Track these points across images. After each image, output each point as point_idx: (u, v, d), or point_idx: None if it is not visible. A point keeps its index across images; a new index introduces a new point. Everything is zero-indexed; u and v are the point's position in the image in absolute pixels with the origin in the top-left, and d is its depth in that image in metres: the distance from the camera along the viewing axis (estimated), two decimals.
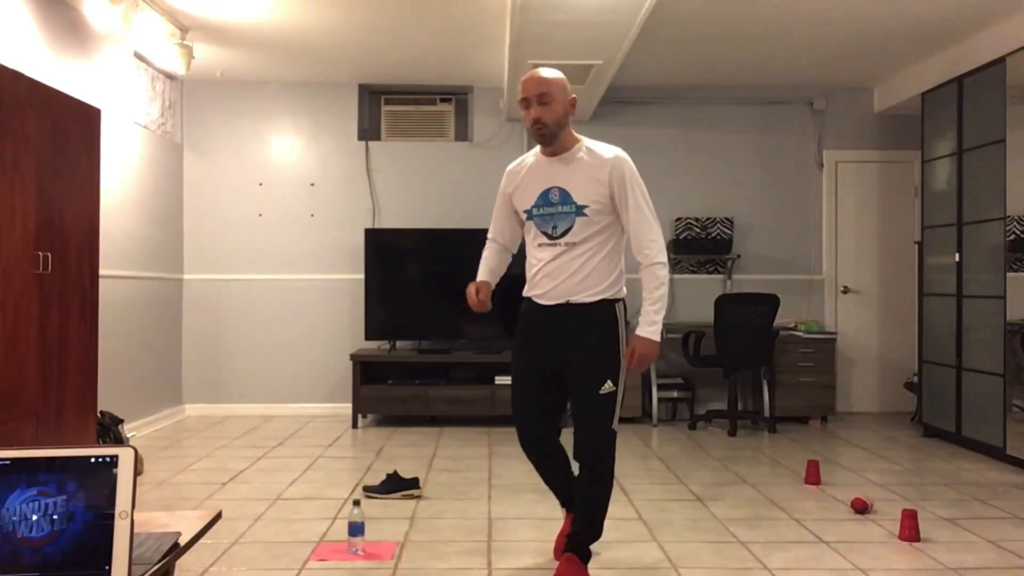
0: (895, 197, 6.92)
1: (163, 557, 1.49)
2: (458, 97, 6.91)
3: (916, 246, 6.20)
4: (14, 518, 1.35)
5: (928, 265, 5.83)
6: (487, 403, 6.11)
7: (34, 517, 1.36)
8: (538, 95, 2.77)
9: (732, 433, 5.84)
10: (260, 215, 6.73)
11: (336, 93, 6.77)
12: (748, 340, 5.86)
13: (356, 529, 3.19)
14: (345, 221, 6.73)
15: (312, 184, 6.77)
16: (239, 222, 6.71)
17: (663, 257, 2.80)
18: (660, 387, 6.36)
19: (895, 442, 5.63)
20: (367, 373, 6.19)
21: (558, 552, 3.04)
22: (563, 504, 3.13)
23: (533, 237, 2.91)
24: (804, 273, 6.88)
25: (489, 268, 3.08)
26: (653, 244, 2.80)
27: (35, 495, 1.36)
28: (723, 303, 5.93)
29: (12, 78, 3.60)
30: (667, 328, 6.16)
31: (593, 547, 2.92)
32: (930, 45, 5.72)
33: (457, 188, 6.75)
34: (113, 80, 5.37)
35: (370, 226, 6.69)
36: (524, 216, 2.92)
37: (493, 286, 3.05)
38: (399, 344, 6.53)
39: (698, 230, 6.70)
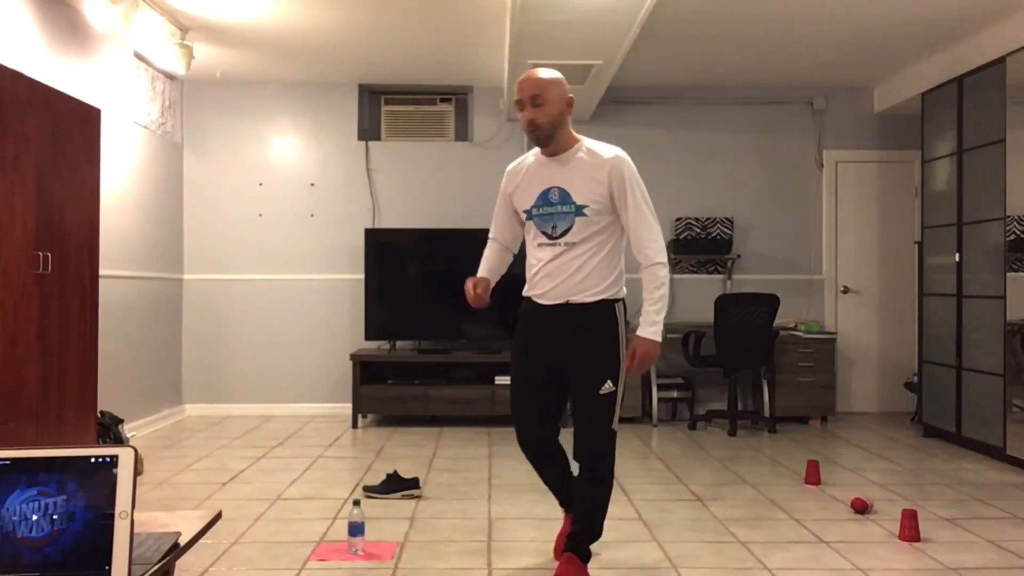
0: (895, 197, 6.92)
1: (163, 557, 1.49)
2: (458, 97, 6.91)
3: (916, 246, 6.20)
4: (14, 518, 1.35)
5: (928, 265, 5.83)
6: (487, 403, 6.11)
7: (34, 517, 1.36)
8: (531, 97, 2.77)
9: (732, 433, 5.84)
10: (260, 215, 6.73)
11: (336, 93, 6.77)
12: (748, 340, 5.86)
13: (356, 529, 3.19)
14: (345, 221, 6.73)
15: (312, 184, 6.77)
16: (239, 222, 6.71)
17: (663, 257, 2.80)
18: (660, 387, 6.36)
19: (895, 442, 5.63)
20: (367, 373, 6.19)
21: (558, 552, 3.04)
22: (562, 504, 3.13)
23: (533, 237, 2.91)
24: (804, 273, 6.89)
25: (489, 266, 3.08)
26: (653, 244, 2.80)
27: (35, 495, 1.36)
28: (723, 303, 5.93)
29: (12, 78, 3.59)
30: (667, 328, 6.12)
31: (593, 547, 2.92)
32: (930, 45, 5.72)
33: (457, 188, 6.75)
34: (113, 80, 5.37)
35: (370, 226, 6.69)
36: (524, 216, 2.92)
37: (493, 283, 3.05)
38: (399, 344, 6.53)
39: (698, 230, 6.70)
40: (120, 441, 4.73)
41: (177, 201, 6.60)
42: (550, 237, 2.84)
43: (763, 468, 4.81)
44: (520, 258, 3.06)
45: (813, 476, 4.39)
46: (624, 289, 2.88)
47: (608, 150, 2.83)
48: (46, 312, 3.83)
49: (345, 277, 6.72)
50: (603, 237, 2.82)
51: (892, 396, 6.84)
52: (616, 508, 3.62)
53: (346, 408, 6.40)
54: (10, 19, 4.25)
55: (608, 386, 2.77)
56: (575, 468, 2.90)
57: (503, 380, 5.99)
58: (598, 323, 2.81)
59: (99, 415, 4.50)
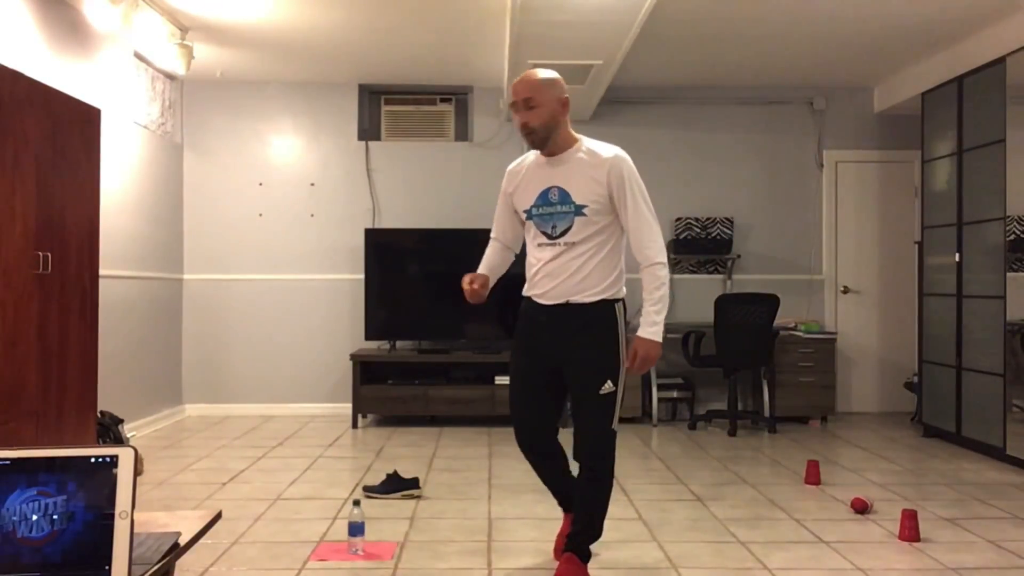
0: (895, 197, 6.92)
1: (163, 557, 1.49)
2: (458, 97, 6.91)
3: (916, 246, 6.20)
4: (14, 518, 1.35)
5: (928, 265, 5.83)
6: (487, 403, 6.11)
7: (34, 517, 1.36)
8: (524, 100, 2.77)
9: (732, 433, 5.84)
10: (260, 215, 6.73)
11: (336, 93, 6.77)
12: (748, 340, 5.86)
13: (356, 529, 3.19)
14: (345, 221, 6.73)
15: (312, 184, 6.77)
16: (239, 222, 6.71)
17: (663, 257, 2.80)
18: (660, 387, 6.36)
19: (895, 442, 5.63)
20: (367, 373, 6.19)
21: (558, 552, 3.04)
22: (561, 504, 3.13)
23: (533, 237, 2.91)
24: (804, 273, 6.89)
25: (489, 264, 3.08)
26: (653, 244, 2.80)
27: (35, 495, 1.36)
28: (723, 303, 5.93)
29: (12, 78, 3.60)
30: (667, 328, 6.09)
31: (593, 547, 2.92)
32: (930, 45, 5.72)
33: (457, 188, 6.75)
34: (113, 80, 5.37)
35: (370, 226, 6.69)
36: (524, 216, 2.92)
37: (493, 282, 3.05)
38: (399, 344, 6.53)
39: (698, 230, 6.70)
40: (120, 441, 4.73)
41: (177, 201, 6.60)
42: (550, 237, 2.84)
43: (763, 468, 4.81)
44: (520, 258, 3.06)
45: (813, 476, 4.39)
46: (624, 289, 2.88)
47: (608, 150, 2.83)
48: (46, 312, 3.83)
49: (345, 277, 6.72)
50: (603, 237, 2.81)
51: (892, 396, 6.84)
52: (616, 508, 3.62)
53: (346, 408, 6.40)
54: (10, 19, 4.25)
55: (608, 386, 2.77)
56: (575, 468, 2.90)
57: (503, 380, 5.99)
58: (598, 323, 2.81)
59: (99, 415, 4.50)
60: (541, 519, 3.65)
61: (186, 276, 6.68)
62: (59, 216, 3.93)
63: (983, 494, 4.19)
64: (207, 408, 6.67)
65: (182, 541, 1.58)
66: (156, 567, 1.44)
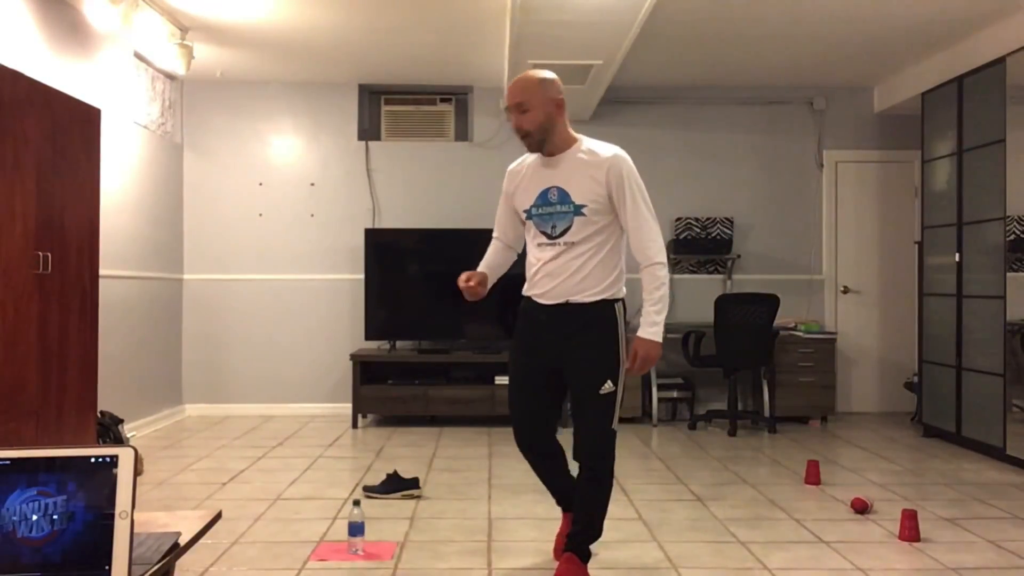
0: (895, 197, 6.92)
1: (163, 557, 1.49)
2: (458, 97, 6.91)
3: (916, 246, 6.20)
4: (14, 518, 1.35)
5: (928, 265, 5.83)
6: (487, 403, 6.11)
7: (34, 517, 1.36)
8: (517, 104, 2.78)
9: (732, 433, 5.84)
10: (260, 215, 6.73)
11: (336, 93, 6.77)
12: (748, 340, 5.86)
13: (356, 529, 3.19)
14: (345, 221, 6.73)
15: (312, 184, 6.77)
16: (239, 222, 6.71)
17: (662, 257, 2.80)
18: (660, 387, 6.36)
19: (895, 442, 5.63)
20: (367, 373, 6.19)
21: (558, 552, 3.04)
22: (560, 503, 3.13)
23: (533, 236, 2.91)
24: (804, 273, 6.89)
25: (489, 263, 3.08)
26: (652, 244, 2.79)
27: (35, 495, 1.36)
28: (723, 303, 5.93)
29: (12, 78, 3.60)
30: (667, 328, 6.09)
31: (593, 547, 2.92)
32: (930, 45, 5.72)
33: (457, 188, 6.75)
34: (113, 80, 5.37)
35: (370, 226, 6.69)
36: (524, 216, 2.92)
37: (493, 280, 3.05)
38: (399, 344, 6.53)
39: (698, 230, 6.70)
40: (120, 441, 4.73)
41: (177, 201, 6.60)
42: (549, 237, 2.84)
43: (763, 468, 4.81)
44: (520, 258, 3.07)
45: (813, 476, 4.39)
46: (624, 289, 2.88)
47: (607, 149, 2.82)
48: (46, 312, 3.83)
49: (345, 277, 6.72)
50: (603, 237, 2.81)
51: (892, 396, 6.84)
52: (616, 508, 3.62)
53: (346, 408, 6.40)
54: (10, 19, 4.25)
55: (608, 386, 2.77)
56: (574, 468, 2.90)
57: (503, 380, 5.98)
58: (598, 323, 2.81)
59: (99, 415, 4.50)
60: (541, 519, 3.65)
61: (186, 276, 6.68)
62: (59, 216, 3.93)
63: (983, 494, 4.19)
64: (207, 408, 6.67)
65: (182, 541, 1.58)
66: (156, 567, 1.44)
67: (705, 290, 6.74)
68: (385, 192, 6.78)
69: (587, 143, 2.86)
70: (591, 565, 2.89)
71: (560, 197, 2.81)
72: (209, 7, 4.98)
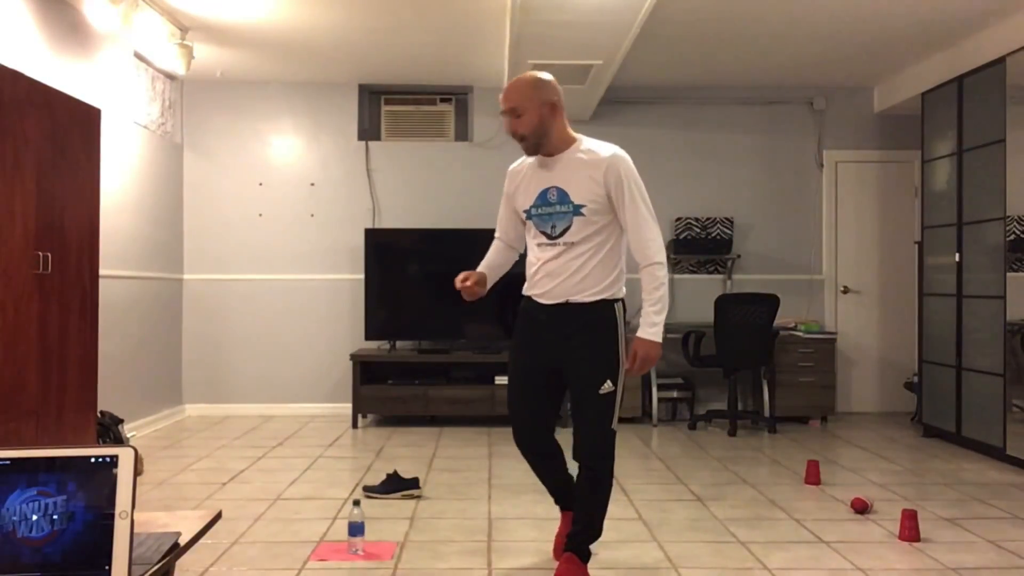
0: (895, 197, 6.92)
1: (163, 557, 1.49)
2: (458, 97, 6.91)
3: (916, 246, 6.20)
4: (14, 518, 1.35)
5: (928, 265, 5.83)
6: (487, 403, 6.11)
7: (34, 517, 1.36)
8: (510, 109, 2.79)
9: (732, 433, 5.84)
10: (260, 215, 6.73)
11: (336, 93, 6.77)
12: (748, 340, 5.86)
13: (356, 529, 3.19)
14: (345, 221, 6.73)
15: (312, 184, 6.77)
16: (239, 222, 6.71)
17: (661, 257, 2.79)
18: (660, 387, 6.36)
19: (895, 442, 5.63)
20: (367, 373, 6.19)
21: (557, 552, 3.04)
22: (558, 502, 3.13)
23: (533, 236, 2.91)
24: (804, 273, 6.89)
25: (489, 263, 3.08)
26: (651, 244, 2.79)
27: (35, 495, 1.36)
28: (723, 303, 5.93)
29: (12, 78, 3.60)
30: (667, 328, 6.08)
31: (593, 547, 2.92)
32: (930, 45, 5.72)
33: (457, 188, 6.75)
34: (113, 80, 5.37)
35: (370, 226, 6.69)
36: (524, 216, 2.92)
37: (492, 280, 3.05)
38: (399, 344, 6.53)
39: (698, 230, 6.70)
40: (120, 441, 4.73)
41: (177, 201, 6.60)
42: (549, 237, 2.84)
43: (763, 468, 4.81)
44: (521, 257, 3.07)
45: (813, 476, 4.39)
46: (624, 289, 2.88)
47: (606, 149, 2.82)
48: (46, 312, 3.83)
49: (345, 277, 6.72)
50: (602, 237, 2.81)
51: (892, 396, 6.84)
52: (616, 508, 3.62)
53: (346, 408, 6.40)
54: (10, 19, 4.25)
55: (607, 386, 2.77)
56: (574, 468, 2.90)
57: (503, 380, 5.98)
58: (597, 323, 2.81)
59: (99, 415, 4.50)
60: (541, 519, 3.65)
61: (186, 276, 6.68)
62: (59, 216, 3.93)
63: (983, 494, 4.19)
64: (207, 408, 6.67)
65: (182, 541, 1.58)
66: (156, 567, 1.44)
67: (705, 290, 6.74)
68: (385, 192, 6.78)
69: (586, 143, 2.85)
70: (591, 565, 2.89)
71: (559, 197, 2.81)
72: (209, 7, 4.98)
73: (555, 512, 3.19)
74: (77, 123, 4.10)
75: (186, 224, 6.69)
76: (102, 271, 4.44)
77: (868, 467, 4.82)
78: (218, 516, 1.77)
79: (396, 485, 4.06)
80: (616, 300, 2.84)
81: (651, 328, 2.76)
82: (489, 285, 3.04)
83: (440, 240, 6.46)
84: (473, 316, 6.19)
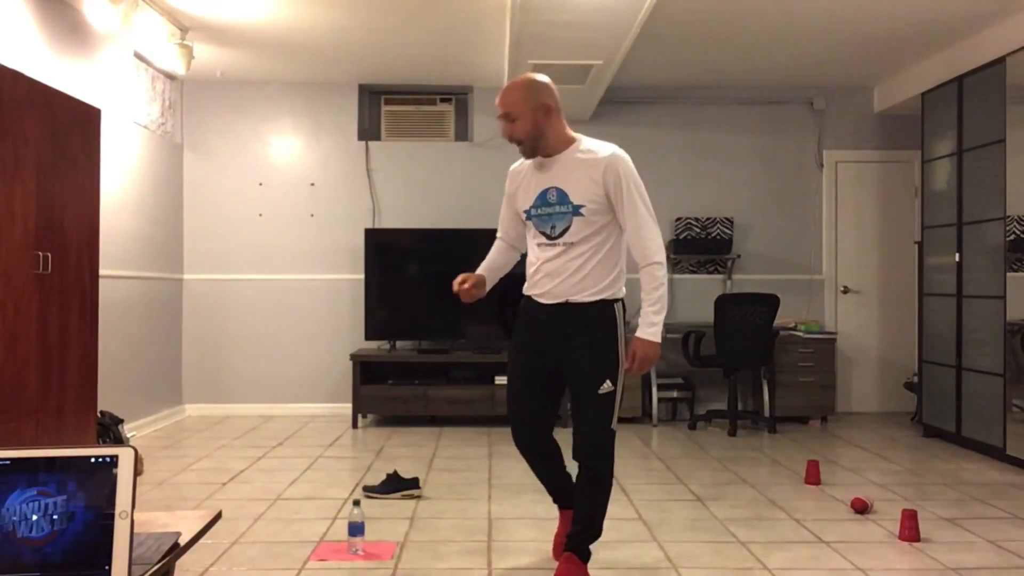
0: (895, 197, 6.92)
1: (163, 557, 1.49)
2: (458, 97, 6.91)
3: (916, 246, 6.20)
4: (14, 518, 1.35)
5: (928, 265, 5.83)
6: (487, 403, 6.11)
7: (34, 517, 1.36)
8: (504, 114, 2.81)
9: (732, 433, 5.84)
10: (260, 215, 6.73)
11: (336, 93, 6.77)
12: (748, 340, 5.86)
13: (356, 529, 3.19)
14: (345, 221, 6.73)
15: (312, 184, 6.77)
16: (239, 222, 6.71)
17: (660, 256, 2.79)
18: (660, 387, 6.36)
19: (895, 442, 5.63)
20: (367, 373, 6.19)
21: (557, 552, 3.04)
22: (556, 501, 3.13)
23: (533, 237, 2.92)
24: (804, 273, 6.89)
25: (489, 264, 3.09)
26: (650, 243, 2.79)
27: (35, 495, 1.36)
28: (723, 303, 5.93)
29: (12, 78, 3.60)
30: (667, 328, 6.14)
31: (592, 547, 2.92)
32: (930, 45, 5.72)
33: (457, 188, 6.75)
34: (113, 80, 5.37)
35: (370, 226, 6.69)
36: (524, 216, 2.92)
37: (492, 281, 3.06)
38: (399, 344, 6.53)
39: (698, 230, 6.70)
40: (120, 441, 4.73)
41: (177, 201, 6.60)
42: (549, 237, 2.84)
43: (763, 468, 4.81)
44: (521, 258, 3.07)
45: (813, 476, 4.39)
46: (624, 289, 2.88)
47: (605, 149, 2.82)
48: (46, 312, 3.83)
49: (345, 277, 6.72)
50: (601, 237, 2.81)
51: (892, 396, 6.84)
52: (616, 508, 3.62)
53: (346, 408, 6.40)
54: (10, 19, 4.25)
55: (607, 386, 2.76)
56: (574, 468, 2.90)
57: (503, 380, 5.95)
58: (597, 323, 2.81)
59: (99, 415, 4.50)
60: (541, 519, 3.65)
61: (186, 276, 6.68)
62: (59, 216, 3.93)
63: (983, 494, 4.19)
64: (207, 408, 6.67)
65: (182, 541, 1.58)
66: (156, 567, 1.44)
67: (705, 290, 6.74)
68: (385, 192, 6.78)
69: (586, 143, 2.85)
70: (591, 565, 2.89)
71: (559, 198, 2.81)
72: (209, 7, 4.98)
73: (555, 512, 3.19)
74: (77, 123, 4.10)
75: (186, 224, 6.69)
76: (102, 271, 4.44)
77: (868, 467, 4.82)
78: (218, 516, 1.77)
79: (396, 485, 4.06)
80: (616, 300, 2.84)
81: (650, 328, 2.76)
82: (489, 287, 3.04)
83: (440, 240, 6.46)
84: (473, 316, 6.19)
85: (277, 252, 6.73)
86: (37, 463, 1.38)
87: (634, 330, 2.79)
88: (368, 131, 6.85)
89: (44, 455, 1.38)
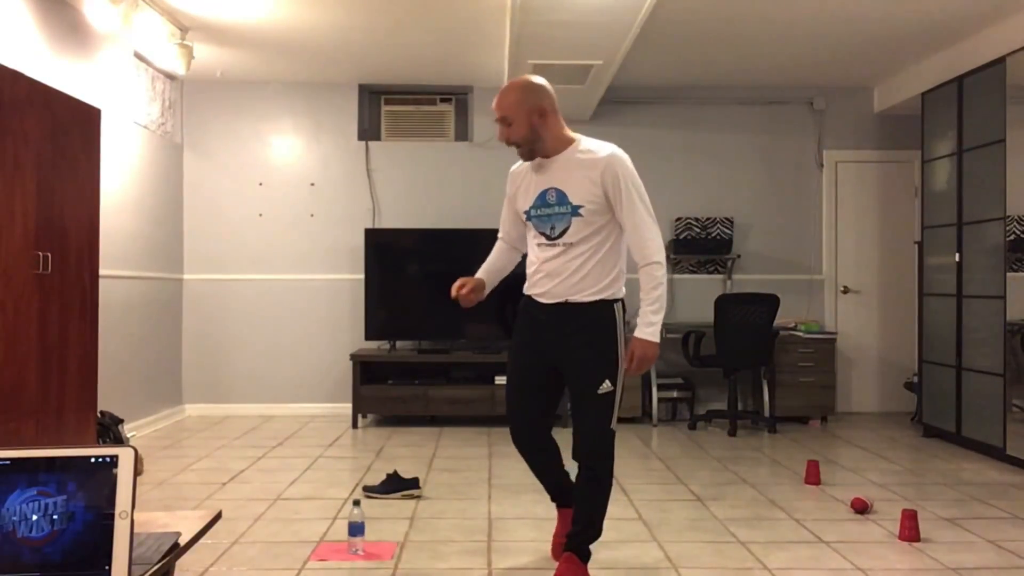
0: (895, 197, 6.92)
1: (163, 557, 1.49)
2: (458, 97, 6.91)
3: (916, 246, 6.20)
4: (14, 518, 1.35)
5: (928, 265, 5.83)
6: (487, 403, 6.11)
7: (34, 517, 1.36)
8: (500, 118, 2.81)
9: (732, 433, 5.84)
10: (260, 215, 6.73)
11: (336, 93, 6.77)
12: (748, 340, 5.86)
13: (356, 529, 3.19)
14: (345, 221, 6.73)
15: (312, 184, 6.77)
16: (239, 222, 6.71)
17: (660, 256, 2.79)
18: (660, 387, 6.36)
19: (895, 442, 5.63)
20: (367, 373, 6.19)
21: (555, 552, 3.04)
22: (554, 499, 3.13)
23: (533, 237, 2.92)
24: (804, 273, 6.89)
25: (489, 267, 3.09)
26: (649, 243, 2.79)
27: (35, 495, 1.36)
28: (723, 303, 5.93)
29: (12, 78, 3.60)
30: (667, 328, 6.16)
31: (592, 547, 2.91)
32: (930, 45, 5.72)
33: (457, 188, 6.75)
34: (113, 80, 5.37)
35: (370, 226, 6.69)
36: (524, 217, 2.93)
37: (493, 283, 3.06)
38: (399, 344, 6.53)
39: (698, 230, 6.70)
40: (120, 441, 4.73)
41: (177, 201, 6.60)
42: (548, 238, 2.84)
43: (763, 468, 4.81)
44: (522, 258, 3.08)
45: (813, 476, 4.39)
46: (624, 289, 2.88)
47: (603, 149, 2.82)
48: (46, 312, 3.83)
49: (345, 277, 6.72)
50: (601, 237, 2.81)
51: (892, 396, 6.84)
52: (616, 508, 3.62)
53: (346, 408, 6.40)
54: (10, 19, 4.25)
55: (606, 386, 2.76)
56: (574, 468, 2.90)
57: (503, 380, 5.94)
58: (597, 323, 2.81)
59: (99, 415, 4.50)
60: (541, 519, 3.65)
61: (186, 276, 6.68)
62: (59, 216, 3.93)
63: (983, 494, 4.19)
64: (207, 408, 6.67)
65: (182, 541, 1.58)
66: (156, 567, 1.45)
67: (705, 290, 6.74)
68: (385, 192, 6.78)
69: (584, 143, 2.85)
70: (591, 565, 2.89)
71: (558, 198, 2.81)
72: (209, 7, 4.98)
73: (555, 512, 3.19)
74: (77, 123, 4.10)
75: (186, 224, 6.69)
76: (102, 271, 4.44)
77: (868, 467, 4.82)
78: (218, 516, 1.77)
79: (396, 485, 4.06)
80: (615, 300, 2.84)
81: (648, 328, 2.76)
82: (489, 289, 3.05)
83: (440, 240, 6.46)
84: (473, 316, 6.15)
85: (277, 252, 6.73)
86: (37, 463, 1.38)
87: (633, 330, 2.79)
88: (368, 131, 6.85)
89: (44, 455, 1.39)
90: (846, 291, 6.92)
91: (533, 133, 2.80)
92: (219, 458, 5.01)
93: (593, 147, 2.83)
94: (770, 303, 5.85)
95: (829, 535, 3.47)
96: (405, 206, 6.76)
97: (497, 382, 6.08)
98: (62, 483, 1.37)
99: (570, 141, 2.85)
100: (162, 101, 6.26)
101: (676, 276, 6.78)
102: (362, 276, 6.50)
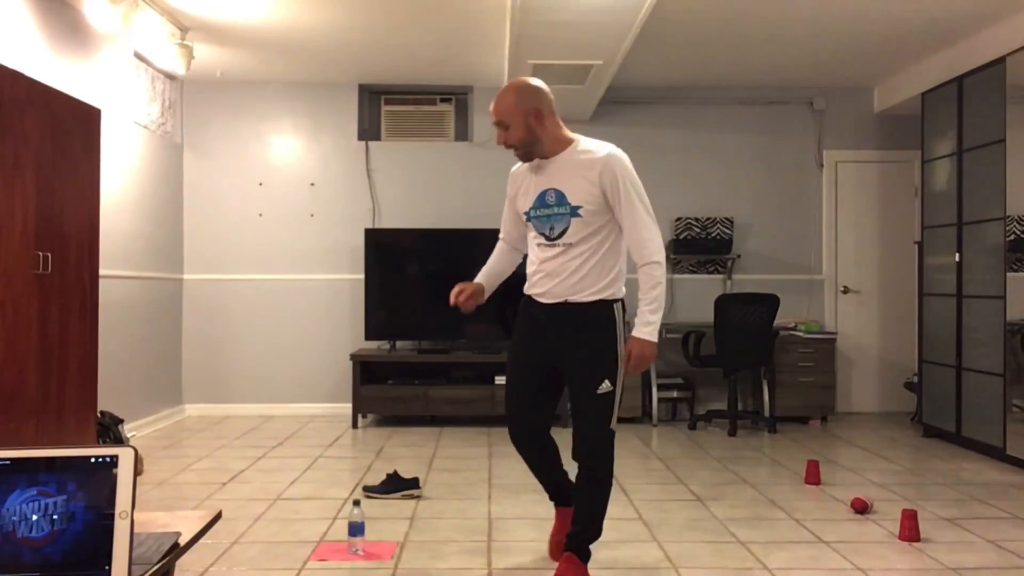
0: (895, 197, 6.92)
1: (163, 557, 1.49)
2: (458, 97, 6.91)
3: (916, 246, 6.20)
4: (14, 518, 1.35)
5: (928, 265, 5.83)
6: (487, 403, 6.11)
7: (34, 517, 1.36)
8: (497, 122, 2.82)
9: (732, 433, 5.84)
10: (260, 215, 6.73)
11: (336, 93, 6.77)
12: (748, 340, 5.86)
13: (356, 529, 3.19)
14: (345, 221, 6.73)
15: (312, 184, 6.77)
16: (239, 222, 6.71)
17: (659, 256, 2.79)
18: (660, 387, 6.36)
19: (895, 442, 5.63)
20: (367, 373, 6.19)
21: (554, 552, 3.04)
22: (552, 498, 3.13)
23: (533, 237, 2.93)
24: (804, 273, 6.89)
25: (489, 271, 3.11)
26: (648, 243, 2.78)
27: (35, 495, 1.36)
28: (723, 303, 5.93)
29: (12, 78, 3.60)
30: (667, 328, 6.17)
31: (592, 547, 2.91)
32: (930, 45, 5.72)
33: (457, 188, 6.75)
34: (113, 80, 5.37)
35: (370, 226, 6.69)
36: (524, 218, 2.93)
37: (492, 287, 3.07)
38: (399, 344, 6.53)
39: (698, 230, 6.70)
40: (120, 441, 4.73)
41: (177, 201, 6.60)
42: (548, 238, 2.84)
43: (763, 468, 4.81)
44: (523, 258, 3.08)
45: (813, 476, 4.39)
46: (623, 289, 2.88)
47: (602, 149, 2.82)
48: (46, 312, 3.83)
49: (345, 277, 6.72)
50: (600, 237, 2.81)
51: (892, 396, 6.84)
52: (616, 508, 3.62)
53: (346, 408, 6.40)
54: (10, 19, 4.25)
55: (606, 386, 2.76)
56: (573, 468, 2.90)
57: (503, 380, 5.95)
58: (596, 323, 2.81)
59: (99, 415, 4.50)
60: (541, 519, 3.65)
61: (186, 276, 6.68)
62: (59, 216, 3.93)
63: (983, 494, 4.19)
64: (207, 408, 6.67)
65: (182, 541, 1.58)
66: (156, 567, 1.44)
67: (705, 290, 6.74)
68: (385, 192, 6.78)
69: (583, 143, 2.85)
70: (591, 565, 2.89)
71: (557, 199, 2.81)
72: (209, 7, 4.98)
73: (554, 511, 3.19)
74: (77, 123, 4.10)
75: (186, 224, 6.69)
76: (102, 271, 4.44)
77: (868, 467, 4.82)
78: (218, 516, 1.77)
79: (396, 485, 4.06)
80: (615, 300, 2.84)
81: (646, 327, 2.76)
82: (489, 293, 3.05)
83: (440, 240, 6.46)
84: (473, 316, 6.09)
85: (277, 252, 6.73)
86: (37, 463, 1.38)
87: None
88: (368, 131, 6.85)
89: (44, 455, 1.38)
90: (846, 291, 6.92)
91: (530, 135, 2.80)
92: (219, 458, 5.01)
93: (591, 147, 2.83)
94: (770, 303, 5.85)
95: (829, 535, 3.47)
96: (405, 206, 6.76)
97: (497, 382, 6.08)
98: (62, 483, 1.37)
99: (569, 142, 2.85)
100: (162, 101, 6.26)
101: (676, 276, 6.78)
102: (362, 276, 6.50)
